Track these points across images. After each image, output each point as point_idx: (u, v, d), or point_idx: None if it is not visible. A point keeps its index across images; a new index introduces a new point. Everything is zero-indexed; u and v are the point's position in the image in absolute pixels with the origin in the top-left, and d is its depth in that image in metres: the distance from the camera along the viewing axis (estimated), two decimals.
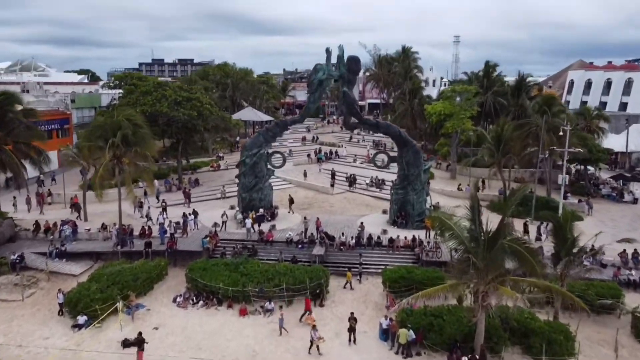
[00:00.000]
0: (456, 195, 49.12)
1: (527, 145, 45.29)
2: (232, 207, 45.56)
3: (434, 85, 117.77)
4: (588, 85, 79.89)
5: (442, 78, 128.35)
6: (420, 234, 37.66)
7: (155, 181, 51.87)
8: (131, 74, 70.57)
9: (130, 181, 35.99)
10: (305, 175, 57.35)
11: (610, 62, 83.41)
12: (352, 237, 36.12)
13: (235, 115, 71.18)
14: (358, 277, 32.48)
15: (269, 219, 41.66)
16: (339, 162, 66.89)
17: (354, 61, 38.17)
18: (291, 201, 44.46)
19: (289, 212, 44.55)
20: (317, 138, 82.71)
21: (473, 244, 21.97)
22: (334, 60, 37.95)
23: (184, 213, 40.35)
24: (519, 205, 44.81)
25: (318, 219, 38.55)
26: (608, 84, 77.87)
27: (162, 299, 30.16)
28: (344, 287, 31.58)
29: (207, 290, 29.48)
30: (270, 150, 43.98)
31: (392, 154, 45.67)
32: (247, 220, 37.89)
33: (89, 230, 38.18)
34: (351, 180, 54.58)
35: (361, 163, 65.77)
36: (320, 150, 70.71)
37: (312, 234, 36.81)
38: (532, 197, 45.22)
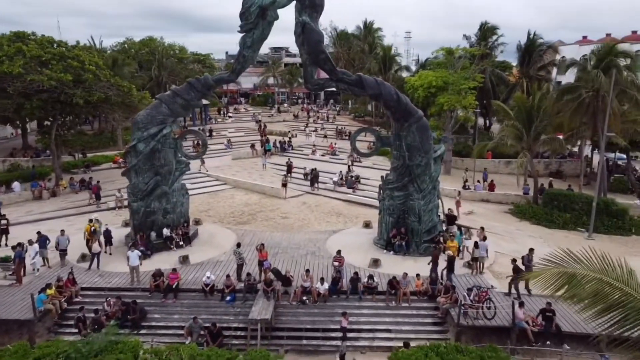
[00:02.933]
0: (463, 197, 33.73)
1: (577, 122, 30.49)
2: (126, 224, 28.51)
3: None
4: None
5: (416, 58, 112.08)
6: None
7: (15, 183, 33.97)
8: None
9: None
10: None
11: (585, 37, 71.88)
12: (322, 279, 20.02)
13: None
14: None
15: (180, 243, 24.96)
16: (293, 155, 50.63)
17: None
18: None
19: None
20: (265, 125, 66.02)
21: None
22: None
23: (28, 241, 22.78)
24: (558, 210, 30.35)
25: (262, 247, 22.04)
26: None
27: None
28: None
29: None
30: (175, 130, 27.25)
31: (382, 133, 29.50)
32: (129, 253, 20.89)
33: None
34: (312, 178, 38.42)
35: (322, 155, 49.79)
36: (267, 140, 54.17)
37: (249, 275, 20.35)
38: (575, 198, 30.74)
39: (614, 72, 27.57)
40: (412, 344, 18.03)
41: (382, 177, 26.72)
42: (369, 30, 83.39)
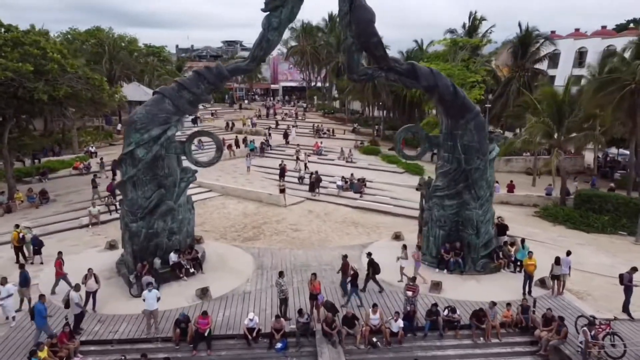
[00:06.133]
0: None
1: (618, 117, 28.21)
2: (111, 246, 23.39)
3: None
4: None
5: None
6: (504, 284, 18.96)
7: None
8: None
9: None
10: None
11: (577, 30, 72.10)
12: (397, 314, 16.10)
13: None
14: None
15: (191, 271, 20.28)
16: (274, 155, 46.29)
17: None
18: None
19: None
20: (234, 125, 61.06)
21: None
22: None
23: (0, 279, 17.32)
24: (593, 212, 28.13)
25: (314, 277, 17.72)
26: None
27: None
28: None
29: None
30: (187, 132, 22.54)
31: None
32: (146, 293, 16.02)
33: None
34: (313, 182, 34.32)
35: (308, 155, 45.66)
36: (246, 140, 49.53)
37: (301, 313, 16.10)
38: (612, 199, 28.69)
39: None
40: None
41: (421, 181, 23.10)
42: (334, 23, 79.99)
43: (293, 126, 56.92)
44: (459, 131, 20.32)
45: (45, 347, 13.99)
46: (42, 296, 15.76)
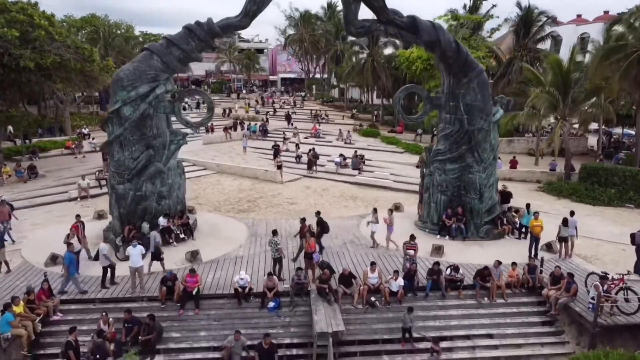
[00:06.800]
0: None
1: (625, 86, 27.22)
2: (100, 215, 22.56)
3: None
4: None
5: None
6: (509, 249, 18.15)
7: None
8: None
9: None
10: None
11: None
12: (396, 272, 15.20)
13: None
14: None
15: (182, 236, 19.39)
16: (272, 139, 45.32)
17: None
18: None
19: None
20: (230, 111, 60.13)
21: None
22: None
23: None
24: (599, 186, 27.32)
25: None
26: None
27: None
28: None
29: None
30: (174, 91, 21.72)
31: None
32: (130, 249, 15.16)
33: None
34: (310, 159, 33.41)
35: (306, 138, 44.78)
36: (242, 123, 48.64)
37: (299, 271, 15.22)
38: (618, 172, 27.89)
39: None
40: (524, 352, 13.82)
41: (425, 148, 22.22)
42: (333, 11, 79.01)
43: (292, 112, 56.04)
44: (462, 90, 19.43)
45: (21, 302, 13.13)
46: (69, 244, 15.39)
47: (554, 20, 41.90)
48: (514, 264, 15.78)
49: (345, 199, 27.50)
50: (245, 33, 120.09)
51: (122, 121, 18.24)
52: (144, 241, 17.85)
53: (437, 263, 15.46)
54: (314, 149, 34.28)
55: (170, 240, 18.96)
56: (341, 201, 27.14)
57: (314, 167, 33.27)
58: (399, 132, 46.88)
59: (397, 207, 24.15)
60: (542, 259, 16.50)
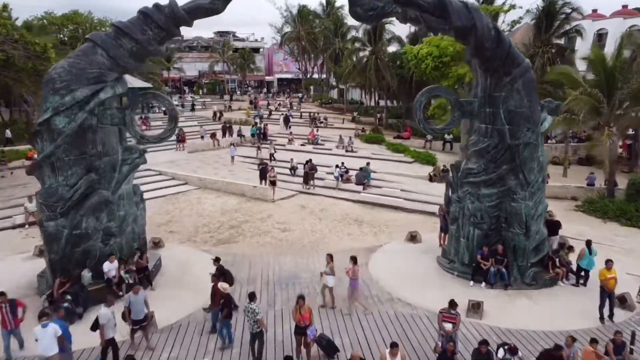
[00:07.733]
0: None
1: None
2: (41, 251, 17.87)
3: None
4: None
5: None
6: (567, 303, 13.54)
7: None
8: None
9: None
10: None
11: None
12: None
13: None
14: None
15: (137, 285, 14.69)
16: (264, 146, 40.74)
17: None
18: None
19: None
20: (221, 114, 55.52)
21: None
22: None
23: None
24: None
25: (301, 303, 12.04)
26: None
27: None
28: None
29: None
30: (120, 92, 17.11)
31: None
32: (37, 330, 10.44)
33: None
34: (307, 172, 28.77)
35: (302, 145, 40.22)
36: (231, 129, 43.99)
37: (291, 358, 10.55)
38: None
39: None
40: None
41: (451, 165, 17.62)
42: (332, 7, 74.48)
43: (289, 115, 51.46)
44: (503, 93, 14.84)
45: None
46: None
47: (578, 12, 37.23)
48: (593, 341, 11.11)
49: (348, 224, 22.85)
50: (240, 32, 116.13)
51: (53, 136, 13.63)
52: (82, 298, 13.36)
53: (484, 342, 10.80)
54: (311, 160, 29.56)
55: (120, 293, 14.32)
56: (344, 226, 22.49)
57: (311, 182, 28.65)
58: (406, 138, 42.21)
59: (413, 237, 19.59)
60: (634, 333, 11.85)
